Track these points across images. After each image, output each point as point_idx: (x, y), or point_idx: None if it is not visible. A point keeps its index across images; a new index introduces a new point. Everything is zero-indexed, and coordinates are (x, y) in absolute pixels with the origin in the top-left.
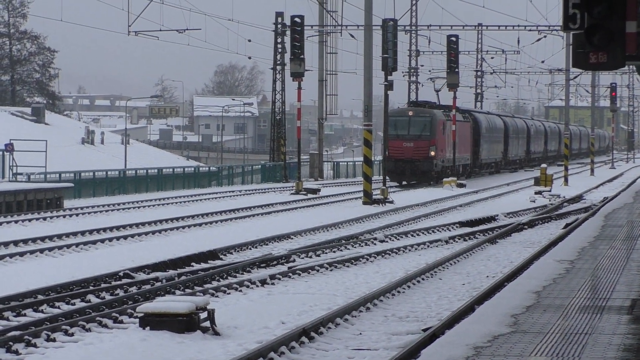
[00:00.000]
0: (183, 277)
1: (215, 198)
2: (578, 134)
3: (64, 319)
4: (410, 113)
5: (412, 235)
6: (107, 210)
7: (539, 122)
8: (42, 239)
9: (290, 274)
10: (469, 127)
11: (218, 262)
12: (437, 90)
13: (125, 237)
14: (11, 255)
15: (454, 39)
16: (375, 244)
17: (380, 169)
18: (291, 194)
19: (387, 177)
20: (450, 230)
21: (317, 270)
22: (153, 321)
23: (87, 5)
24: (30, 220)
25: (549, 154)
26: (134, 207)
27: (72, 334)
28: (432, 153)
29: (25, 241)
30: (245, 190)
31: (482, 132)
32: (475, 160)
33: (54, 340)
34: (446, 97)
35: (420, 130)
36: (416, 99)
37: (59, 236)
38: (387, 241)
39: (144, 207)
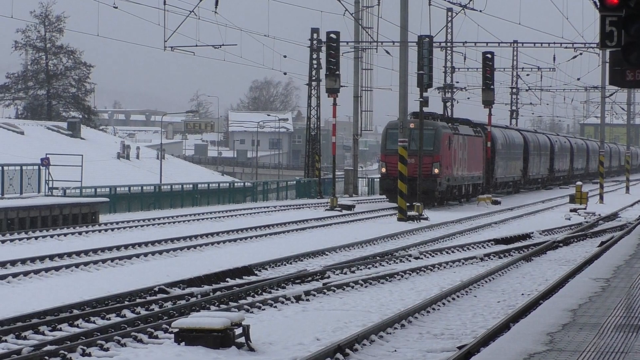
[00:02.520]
0: (218, 293)
1: (250, 214)
2: (608, 151)
3: (99, 334)
4: (411, 125)
5: (446, 253)
6: (142, 225)
7: (564, 138)
8: (78, 253)
9: (324, 290)
10: (482, 142)
11: (253, 278)
12: (444, 100)
13: (160, 252)
14: (47, 270)
15: (489, 55)
16: (410, 261)
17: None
18: (326, 210)
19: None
20: (485, 248)
21: (352, 287)
22: (188, 336)
23: (123, 20)
24: (65, 234)
25: (575, 172)
26: (169, 222)
27: (108, 349)
28: (436, 170)
29: (60, 255)
30: (280, 206)
31: (498, 148)
32: (489, 178)
33: (89, 355)
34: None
35: (422, 144)
36: (451, 115)
37: (94, 251)
38: (421, 258)
39: (179, 222)
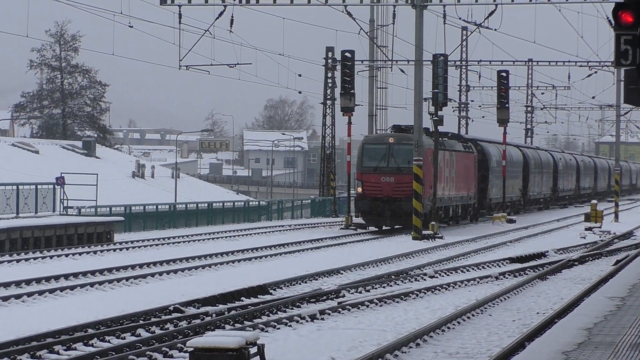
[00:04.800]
0: (233, 312)
1: (265, 232)
2: (618, 169)
3: (114, 353)
4: (391, 140)
5: (461, 271)
6: (157, 244)
7: (570, 156)
8: (93, 272)
9: (339, 309)
10: (473, 159)
11: (268, 297)
12: (431, 113)
13: (175, 272)
14: (61, 289)
15: (504, 74)
16: (425, 280)
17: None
18: (341, 228)
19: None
20: (500, 267)
21: (367, 306)
22: (203, 356)
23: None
24: (80, 253)
25: (581, 191)
26: (184, 241)
27: None
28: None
29: (75, 275)
30: (295, 225)
31: (492, 166)
32: (482, 199)
33: None
34: (493, 130)
35: (402, 161)
36: (465, 134)
37: (109, 270)
38: (436, 277)
39: (194, 241)
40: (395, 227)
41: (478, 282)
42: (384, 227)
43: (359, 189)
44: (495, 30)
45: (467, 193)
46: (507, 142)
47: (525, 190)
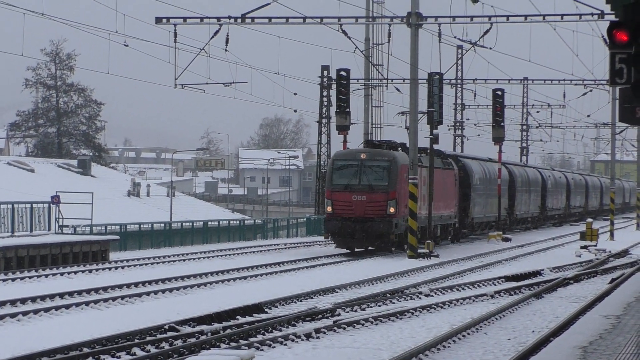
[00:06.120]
0: (228, 331)
1: (261, 251)
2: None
3: None
4: (363, 156)
5: (457, 290)
6: (152, 263)
7: (559, 173)
8: (88, 291)
9: (335, 328)
10: (453, 176)
11: (263, 316)
12: (408, 128)
13: (170, 290)
14: (57, 308)
15: (499, 92)
16: (420, 298)
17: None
18: (336, 247)
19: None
20: (495, 285)
21: (363, 324)
22: None
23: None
24: (76, 272)
25: (571, 210)
26: (179, 260)
27: None
28: (392, 209)
29: (71, 293)
30: (291, 243)
31: (474, 183)
32: (463, 218)
33: None
34: (488, 149)
35: (375, 179)
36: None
37: (105, 289)
38: (432, 295)
39: (189, 260)
40: (369, 248)
41: (474, 301)
42: (356, 249)
43: (329, 209)
44: (491, 48)
45: (446, 212)
46: (490, 159)
47: (512, 209)
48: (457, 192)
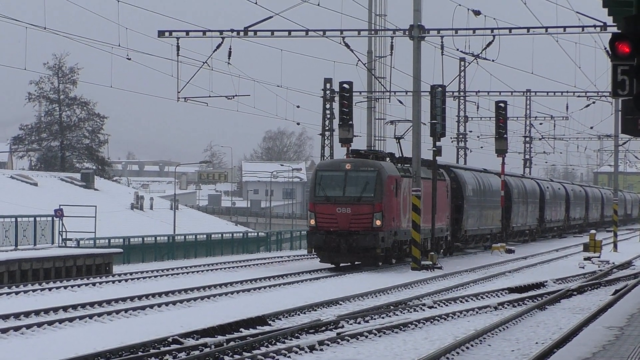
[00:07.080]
0: (232, 343)
1: (264, 263)
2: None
3: None
4: (347, 166)
5: (460, 302)
6: (156, 276)
7: (558, 184)
8: (91, 304)
9: (338, 340)
10: (445, 187)
11: (266, 328)
12: (397, 137)
13: (174, 303)
14: (60, 321)
15: (502, 104)
16: (423, 310)
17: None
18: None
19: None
20: (498, 297)
21: (366, 336)
22: None
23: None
24: (79, 285)
25: (571, 222)
26: (182, 273)
27: None
28: (378, 222)
29: (74, 307)
30: (294, 256)
31: (467, 195)
32: (456, 231)
33: None
34: (491, 161)
35: (360, 190)
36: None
37: (108, 302)
38: (435, 307)
39: (192, 272)
40: (356, 263)
41: (477, 312)
42: (341, 264)
43: (312, 222)
44: (493, 61)
45: (437, 224)
46: (486, 170)
47: (508, 222)
48: (450, 203)
